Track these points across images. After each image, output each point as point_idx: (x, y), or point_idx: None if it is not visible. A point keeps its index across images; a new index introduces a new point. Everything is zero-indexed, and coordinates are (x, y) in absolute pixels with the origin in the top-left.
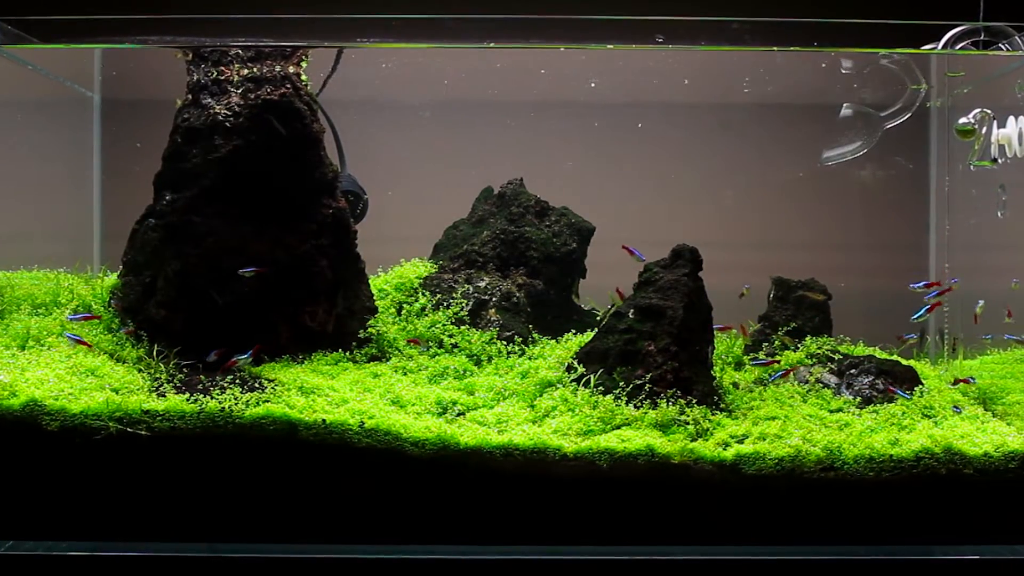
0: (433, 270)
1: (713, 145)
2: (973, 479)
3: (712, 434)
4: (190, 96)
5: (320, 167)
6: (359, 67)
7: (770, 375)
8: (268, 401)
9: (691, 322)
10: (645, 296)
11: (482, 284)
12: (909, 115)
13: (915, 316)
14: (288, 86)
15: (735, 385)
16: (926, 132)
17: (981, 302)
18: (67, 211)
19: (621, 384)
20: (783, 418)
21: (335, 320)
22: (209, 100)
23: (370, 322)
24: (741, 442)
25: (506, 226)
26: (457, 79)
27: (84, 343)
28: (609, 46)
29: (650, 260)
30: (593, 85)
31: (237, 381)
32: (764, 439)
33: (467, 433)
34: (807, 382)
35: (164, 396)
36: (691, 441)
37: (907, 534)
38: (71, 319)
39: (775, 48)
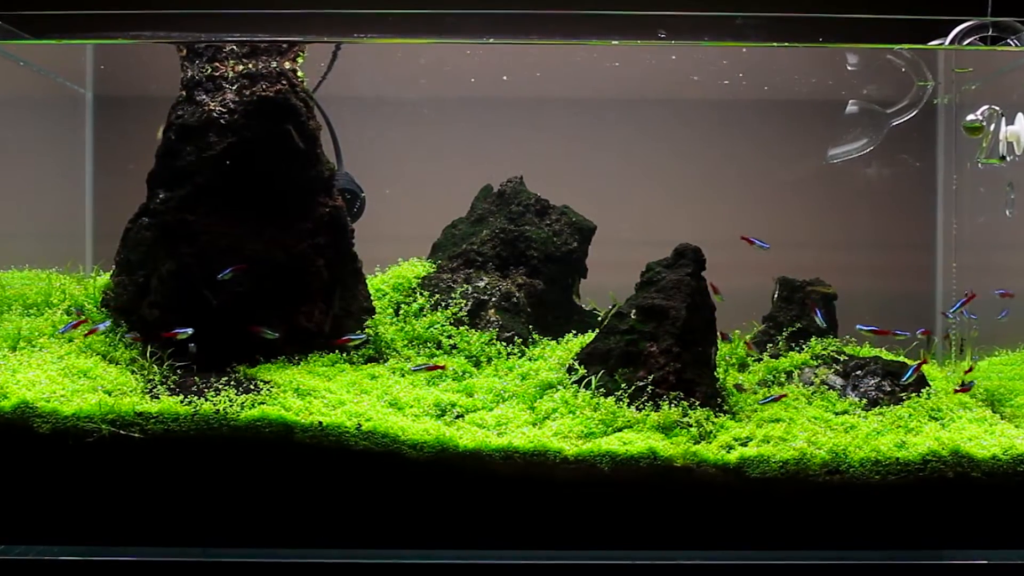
0: (431, 270)
1: (717, 142)
2: (981, 482)
3: (715, 436)
4: (184, 93)
5: (316, 165)
6: (356, 63)
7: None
8: (263, 403)
9: (694, 322)
10: (647, 296)
11: (481, 284)
12: (916, 112)
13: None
14: (284, 82)
15: (738, 387)
16: (933, 129)
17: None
18: (59, 210)
19: (623, 386)
20: (788, 420)
21: (332, 321)
22: (203, 96)
23: (367, 323)
24: (745, 445)
25: (506, 225)
26: (457, 75)
27: (81, 321)
28: (614, 42)
29: (652, 260)
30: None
31: (232, 382)
32: (768, 442)
33: (466, 435)
34: (812, 383)
35: (158, 398)
36: (694, 444)
37: (914, 538)
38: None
39: (780, 44)
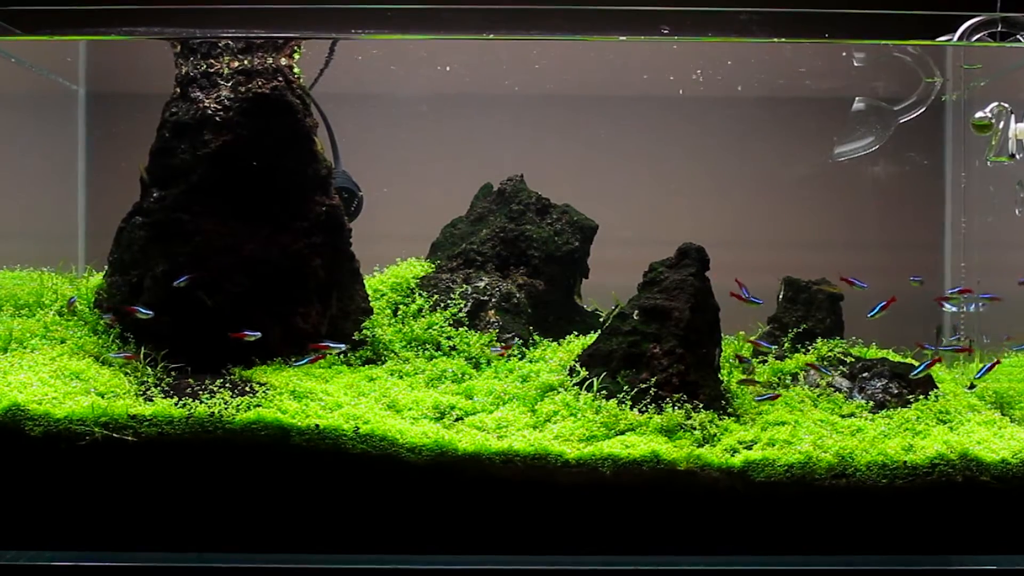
0: (430, 270)
1: (721, 141)
2: (990, 486)
3: (719, 440)
4: (178, 89)
5: (313, 163)
6: (354, 59)
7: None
8: (259, 406)
9: (697, 323)
10: (650, 297)
11: (481, 284)
12: (924, 109)
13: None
14: (280, 79)
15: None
16: (941, 127)
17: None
18: (51, 208)
19: (625, 388)
20: (793, 423)
21: (329, 322)
22: (198, 94)
23: (365, 324)
24: (749, 448)
25: (506, 224)
26: (456, 72)
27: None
28: (621, 38)
29: (655, 260)
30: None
31: (227, 385)
32: (773, 445)
33: (465, 439)
34: (818, 385)
35: (151, 400)
36: (698, 447)
37: (922, 543)
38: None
39: (785, 40)
